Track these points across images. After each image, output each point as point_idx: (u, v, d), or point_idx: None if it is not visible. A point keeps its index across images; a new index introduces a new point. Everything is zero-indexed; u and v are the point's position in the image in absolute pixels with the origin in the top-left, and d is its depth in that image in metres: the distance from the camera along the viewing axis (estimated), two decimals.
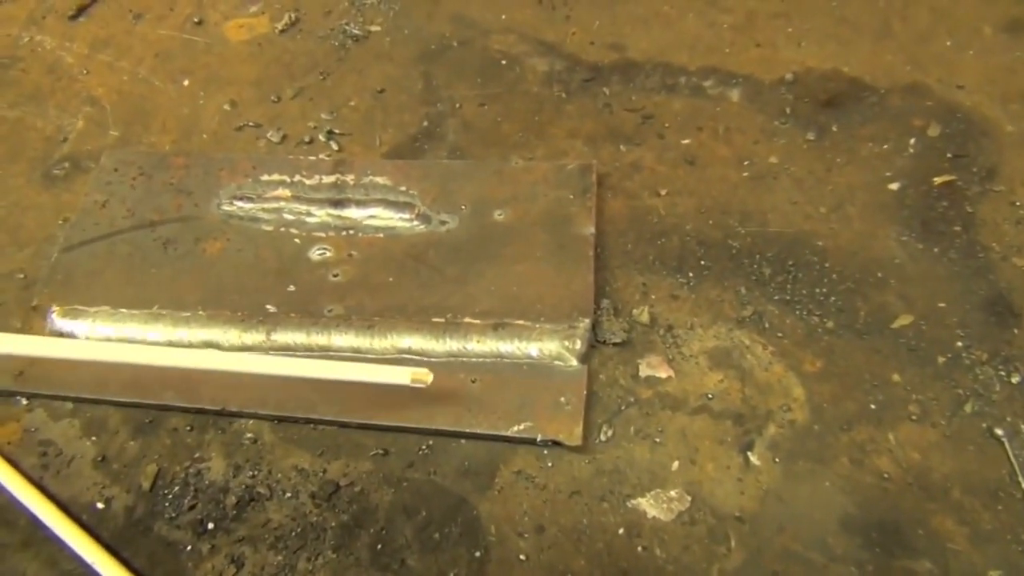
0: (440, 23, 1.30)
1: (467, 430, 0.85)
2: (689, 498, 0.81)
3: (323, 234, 1.02)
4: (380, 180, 1.06)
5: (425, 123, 1.16)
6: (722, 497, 0.81)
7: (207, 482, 0.85)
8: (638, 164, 1.09)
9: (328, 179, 1.07)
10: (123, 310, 0.96)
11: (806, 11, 1.27)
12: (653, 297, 0.95)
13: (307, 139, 1.15)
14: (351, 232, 1.02)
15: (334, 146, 1.14)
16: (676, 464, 0.83)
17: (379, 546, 0.79)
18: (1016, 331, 0.90)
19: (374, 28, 1.30)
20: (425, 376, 0.82)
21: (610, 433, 0.85)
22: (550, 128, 1.14)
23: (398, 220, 1.03)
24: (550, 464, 0.84)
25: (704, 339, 0.92)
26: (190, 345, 0.92)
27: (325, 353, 0.91)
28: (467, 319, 0.92)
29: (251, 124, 1.17)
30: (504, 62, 1.23)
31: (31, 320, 0.97)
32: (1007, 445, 0.82)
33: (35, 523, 0.82)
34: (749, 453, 0.83)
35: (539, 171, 1.06)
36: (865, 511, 0.79)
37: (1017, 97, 1.12)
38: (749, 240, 1.00)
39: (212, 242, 1.02)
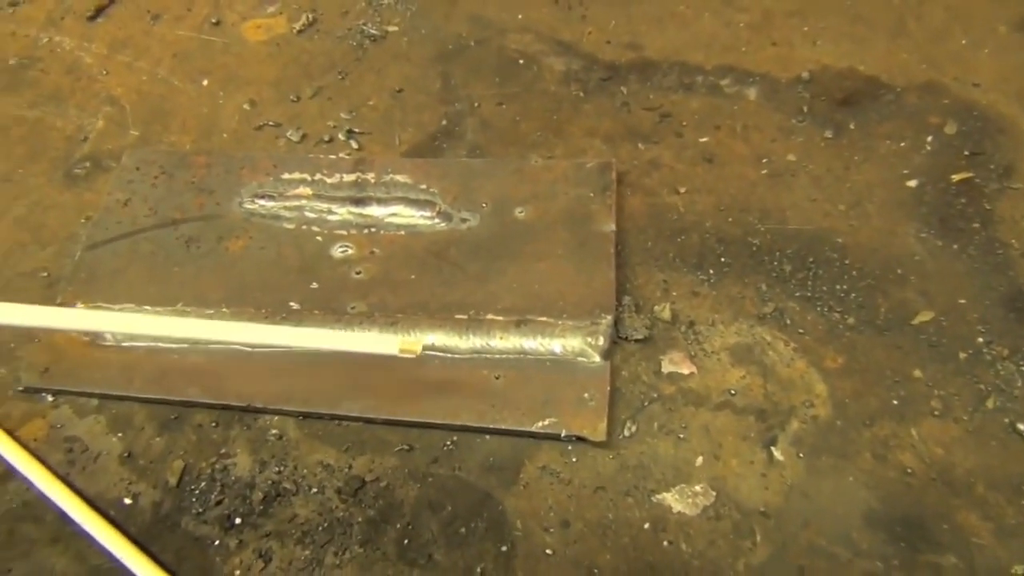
0: (457, 23, 1.30)
1: (491, 426, 0.85)
2: (714, 493, 0.81)
3: (345, 232, 1.03)
4: (400, 178, 1.07)
5: (444, 122, 1.16)
6: (746, 492, 0.81)
7: (233, 478, 0.85)
8: (656, 162, 1.09)
9: (349, 177, 1.07)
10: (147, 307, 0.97)
11: (821, 10, 1.27)
12: (674, 294, 0.96)
13: (327, 138, 1.15)
14: (373, 230, 1.03)
15: (354, 145, 1.14)
16: (700, 459, 0.83)
17: (406, 541, 0.80)
18: None
19: (391, 28, 1.31)
20: (414, 346, 0.80)
21: (634, 429, 0.86)
22: (568, 127, 1.14)
23: (419, 218, 1.03)
24: (574, 459, 0.84)
25: (725, 335, 0.92)
26: (215, 343, 0.93)
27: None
28: (490, 316, 0.92)
29: (271, 123, 1.18)
30: (521, 61, 1.24)
31: None
32: None
33: (63, 518, 0.82)
34: (773, 448, 0.84)
35: (559, 169, 1.06)
36: (889, 506, 0.79)
37: None
38: (769, 237, 1.00)
39: (234, 240, 1.03)
